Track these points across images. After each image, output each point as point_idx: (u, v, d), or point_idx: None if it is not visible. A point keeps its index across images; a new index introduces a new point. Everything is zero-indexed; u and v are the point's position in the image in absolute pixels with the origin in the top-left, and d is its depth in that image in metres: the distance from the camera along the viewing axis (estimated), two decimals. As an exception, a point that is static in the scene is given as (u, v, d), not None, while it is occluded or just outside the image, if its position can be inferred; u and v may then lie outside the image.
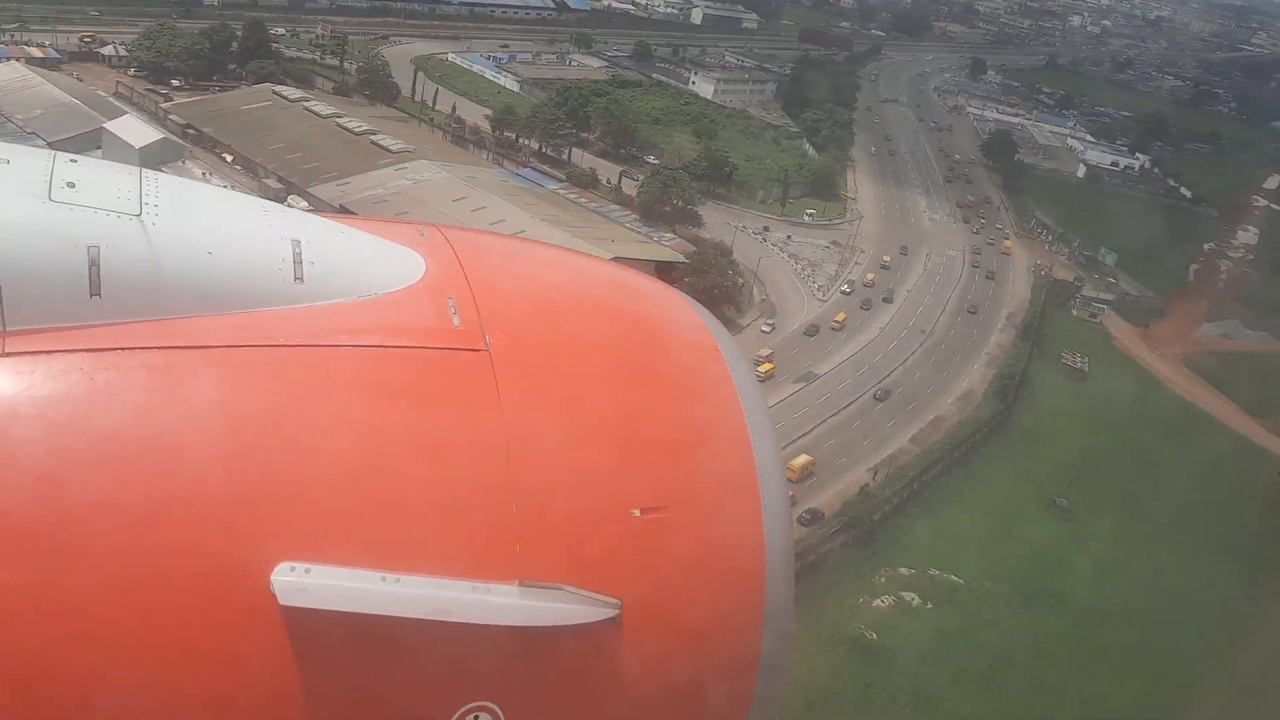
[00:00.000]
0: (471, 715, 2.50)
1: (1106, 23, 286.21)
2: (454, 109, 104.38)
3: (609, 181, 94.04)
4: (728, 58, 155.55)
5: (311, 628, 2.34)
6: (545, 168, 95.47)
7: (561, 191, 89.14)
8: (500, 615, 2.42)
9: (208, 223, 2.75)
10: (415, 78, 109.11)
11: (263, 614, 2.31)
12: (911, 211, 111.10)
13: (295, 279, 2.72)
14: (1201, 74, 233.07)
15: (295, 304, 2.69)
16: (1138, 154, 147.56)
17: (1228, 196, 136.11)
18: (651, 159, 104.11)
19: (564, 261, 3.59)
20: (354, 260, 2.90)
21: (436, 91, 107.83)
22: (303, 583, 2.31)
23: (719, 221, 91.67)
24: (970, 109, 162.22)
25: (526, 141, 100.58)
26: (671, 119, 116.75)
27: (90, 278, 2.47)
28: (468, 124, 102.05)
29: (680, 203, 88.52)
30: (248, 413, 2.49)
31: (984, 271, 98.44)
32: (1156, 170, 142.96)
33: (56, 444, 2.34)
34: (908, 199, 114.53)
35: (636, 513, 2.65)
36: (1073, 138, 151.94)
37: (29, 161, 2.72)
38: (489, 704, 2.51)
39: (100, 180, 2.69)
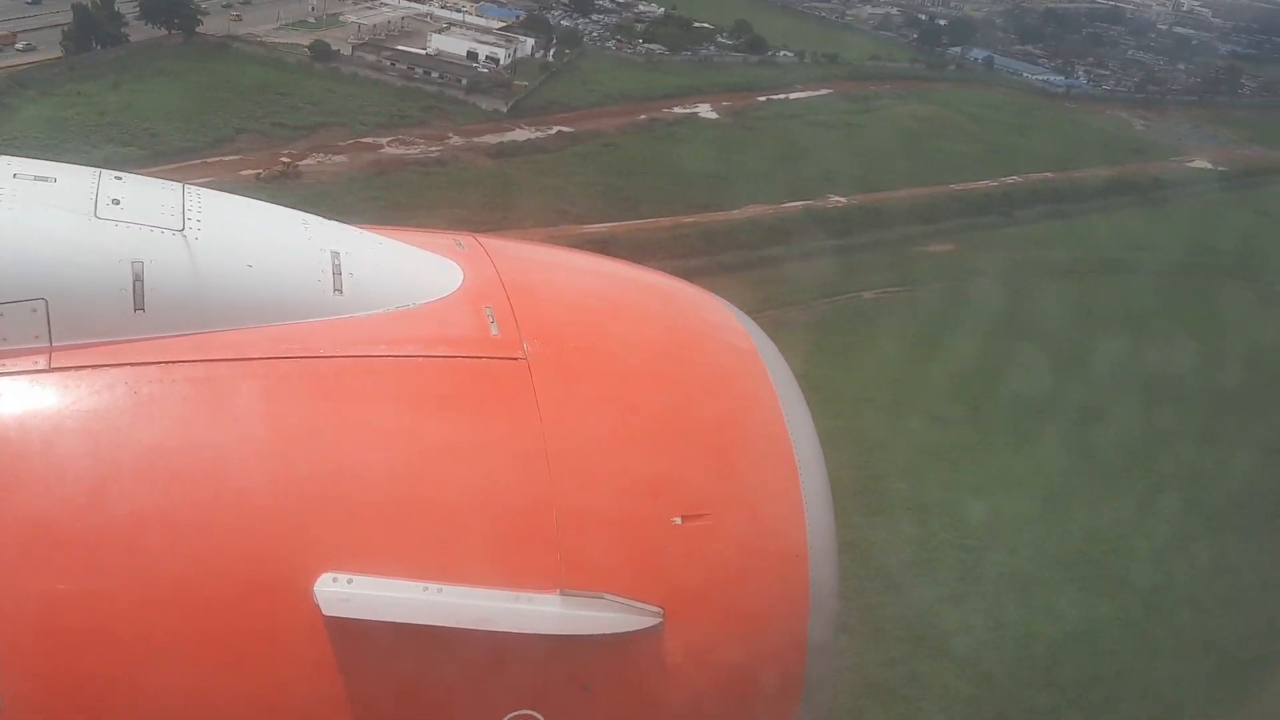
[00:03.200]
0: None
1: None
2: None
3: None
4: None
5: (354, 637, 2.34)
6: None
7: None
8: (541, 624, 2.40)
9: (248, 236, 2.75)
10: None
11: (306, 624, 2.31)
12: None
13: (335, 290, 2.71)
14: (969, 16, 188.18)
15: (335, 315, 2.68)
16: (567, 50, 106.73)
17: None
18: None
19: (601, 269, 3.58)
20: (392, 271, 2.87)
21: None
22: (345, 593, 2.32)
23: None
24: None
25: None
26: None
27: (134, 292, 2.48)
28: None
29: None
30: (289, 425, 2.48)
31: None
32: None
33: (102, 456, 2.33)
34: None
35: (677, 520, 2.61)
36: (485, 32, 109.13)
37: (75, 179, 2.70)
38: (532, 712, 2.48)
39: (144, 196, 2.69)
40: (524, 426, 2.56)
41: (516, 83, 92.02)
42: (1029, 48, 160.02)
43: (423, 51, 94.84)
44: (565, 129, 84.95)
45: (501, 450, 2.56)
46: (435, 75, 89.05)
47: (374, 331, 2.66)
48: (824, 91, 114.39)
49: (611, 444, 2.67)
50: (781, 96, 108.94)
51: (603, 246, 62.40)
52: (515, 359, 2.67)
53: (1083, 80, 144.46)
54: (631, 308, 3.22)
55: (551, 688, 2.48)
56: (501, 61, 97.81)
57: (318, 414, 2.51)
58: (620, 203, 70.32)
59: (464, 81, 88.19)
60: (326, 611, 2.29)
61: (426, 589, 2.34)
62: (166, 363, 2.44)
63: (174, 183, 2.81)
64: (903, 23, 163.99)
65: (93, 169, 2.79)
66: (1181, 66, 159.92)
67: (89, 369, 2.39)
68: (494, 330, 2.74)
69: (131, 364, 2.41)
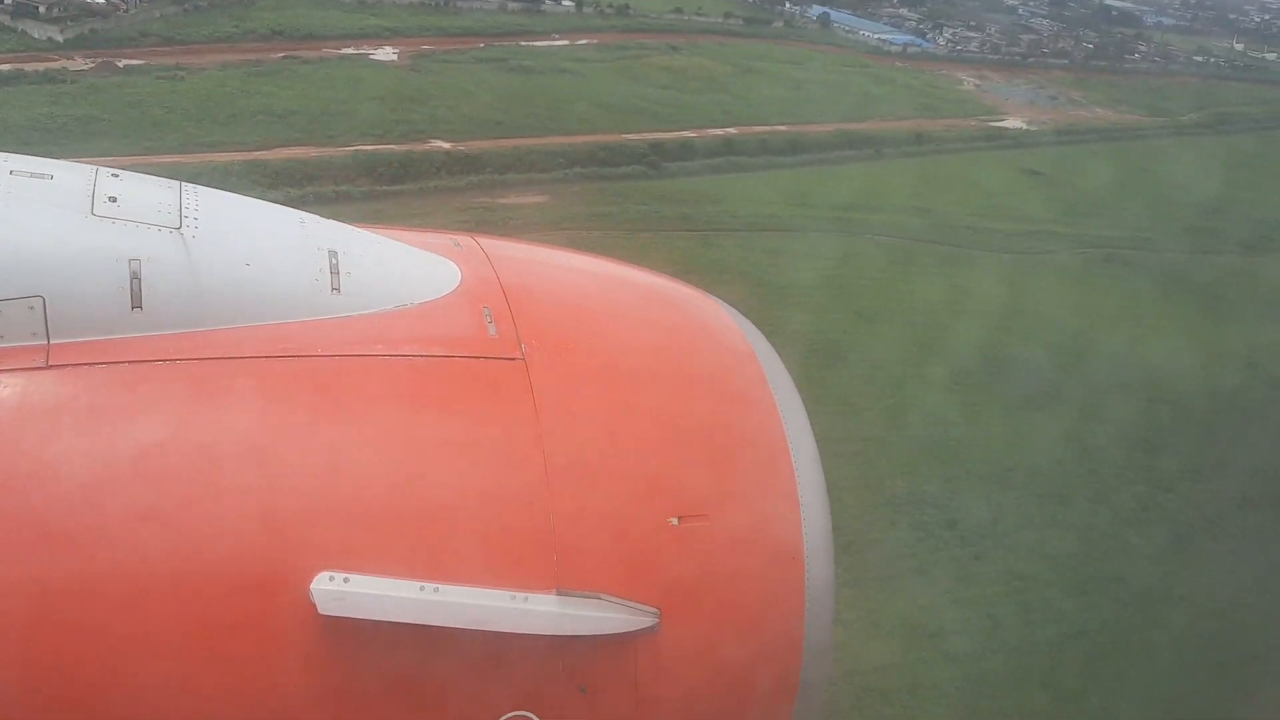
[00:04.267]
0: None
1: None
2: None
3: None
4: None
5: (350, 636, 2.33)
6: None
7: None
8: (538, 624, 2.40)
9: (246, 235, 2.76)
10: None
11: (302, 623, 2.31)
12: None
13: (332, 290, 2.70)
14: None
15: (332, 314, 2.68)
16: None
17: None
18: None
19: (599, 269, 3.54)
20: (390, 270, 2.87)
21: None
22: (341, 592, 2.32)
23: None
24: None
25: None
26: None
27: (132, 290, 2.49)
28: None
29: None
30: (286, 423, 2.48)
31: None
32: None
33: (98, 454, 2.33)
34: None
35: (674, 521, 2.62)
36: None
37: (72, 176, 2.72)
38: (527, 713, 2.48)
39: (141, 194, 2.72)
40: (521, 426, 2.55)
41: (131, 15, 75.81)
42: (901, 11, 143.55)
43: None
44: (131, 62, 68.59)
45: (499, 450, 2.54)
46: (6, 2, 73.03)
47: (371, 331, 2.66)
48: (582, 41, 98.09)
49: (609, 444, 2.65)
50: (513, 43, 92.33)
51: None
52: (512, 359, 2.67)
53: (937, 41, 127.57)
54: (629, 308, 3.19)
55: (547, 688, 2.47)
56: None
57: (315, 413, 2.48)
58: (83, 138, 53.68)
59: (35, 9, 72.02)
60: (323, 610, 2.27)
61: (423, 588, 2.33)
62: (164, 361, 2.43)
63: (171, 180, 2.81)
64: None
65: (89, 166, 2.77)
66: (1076, 33, 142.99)
67: (86, 366, 2.39)
68: (491, 330, 2.74)
69: (129, 362, 2.41)
